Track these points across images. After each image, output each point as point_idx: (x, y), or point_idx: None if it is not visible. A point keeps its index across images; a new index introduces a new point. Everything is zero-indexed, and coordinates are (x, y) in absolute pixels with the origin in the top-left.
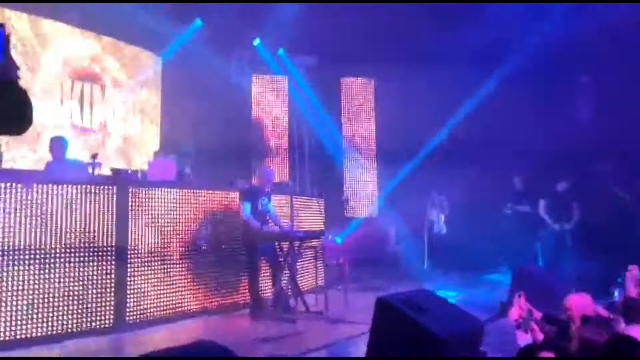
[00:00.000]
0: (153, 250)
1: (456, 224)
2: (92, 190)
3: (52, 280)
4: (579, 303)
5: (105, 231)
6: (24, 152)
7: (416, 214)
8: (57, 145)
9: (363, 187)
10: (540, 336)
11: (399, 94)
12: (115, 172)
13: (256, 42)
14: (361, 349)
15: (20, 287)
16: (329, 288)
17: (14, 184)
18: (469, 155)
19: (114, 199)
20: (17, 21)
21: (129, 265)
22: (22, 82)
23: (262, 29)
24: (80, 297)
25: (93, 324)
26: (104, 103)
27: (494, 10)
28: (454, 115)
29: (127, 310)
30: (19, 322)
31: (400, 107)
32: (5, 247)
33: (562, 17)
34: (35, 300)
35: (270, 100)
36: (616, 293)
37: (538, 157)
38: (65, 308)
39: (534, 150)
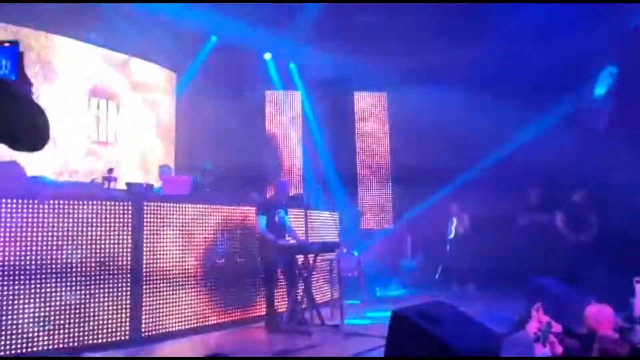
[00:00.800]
0: (168, 264)
1: (474, 236)
2: (108, 205)
3: (67, 294)
4: (599, 314)
5: (121, 245)
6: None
7: (432, 225)
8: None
9: (377, 200)
10: (560, 349)
11: (413, 108)
12: (130, 186)
13: (267, 56)
14: None
15: (38, 301)
16: (344, 301)
17: (30, 200)
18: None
19: (130, 213)
20: (36, 39)
21: (144, 279)
22: (41, 99)
23: (275, 44)
24: (97, 310)
25: (109, 337)
26: (120, 118)
27: (507, 25)
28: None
29: (143, 324)
30: (38, 335)
31: (413, 120)
32: (24, 262)
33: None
34: (53, 314)
35: (283, 115)
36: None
37: (553, 168)
38: (82, 321)
39: (549, 161)
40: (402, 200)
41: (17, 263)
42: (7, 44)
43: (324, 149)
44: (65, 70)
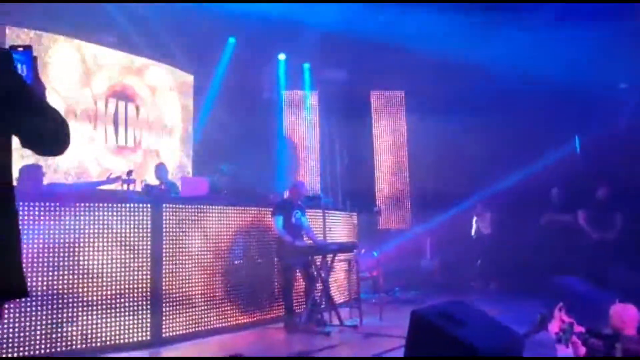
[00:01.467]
0: (187, 265)
1: (496, 235)
2: (128, 207)
3: (90, 295)
4: (624, 314)
5: (140, 247)
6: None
7: (453, 225)
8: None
9: (396, 199)
10: (582, 350)
11: (430, 106)
12: (148, 188)
13: (282, 57)
14: None
15: (60, 302)
16: (363, 301)
17: (52, 203)
18: (504, 163)
19: (149, 215)
20: (54, 42)
21: (163, 281)
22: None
23: (291, 44)
24: (118, 312)
25: (131, 338)
26: (139, 121)
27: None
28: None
29: (164, 324)
30: (60, 336)
31: (431, 118)
32: (46, 264)
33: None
34: (74, 315)
35: (301, 115)
36: None
37: (576, 166)
38: (104, 322)
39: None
40: (422, 200)
41: (39, 264)
42: (21, 49)
43: (341, 148)
44: (84, 74)
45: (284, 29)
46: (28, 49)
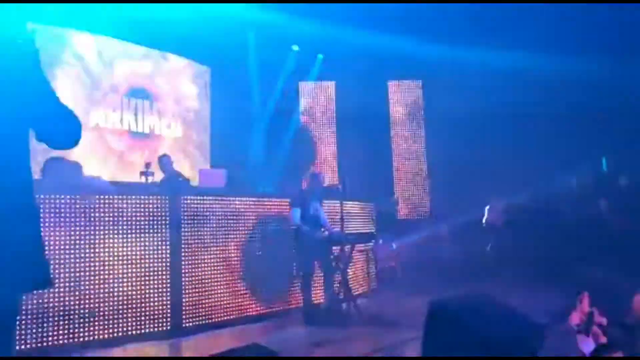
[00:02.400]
0: (206, 257)
1: (514, 225)
2: (147, 200)
3: (112, 287)
4: None
5: (160, 238)
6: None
7: (470, 214)
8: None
9: (414, 189)
10: (604, 339)
11: (448, 95)
12: (168, 180)
13: (295, 48)
14: (415, 353)
15: (84, 293)
16: (381, 292)
17: (74, 197)
18: (523, 154)
19: (168, 207)
20: (71, 37)
21: (183, 272)
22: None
23: (307, 35)
24: (139, 302)
25: (152, 328)
26: (155, 113)
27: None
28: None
29: (184, 315)
30: (82, 326)
31: (449, 107)
32: (68, 256)
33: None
34: (97, 305)
35: (317, 106)
36: None
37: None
38: (125, 313)
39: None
40: (439, 189)
41: (60, 256)
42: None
43: (359, 138)
44: (101, 67)
45: (300, 19)
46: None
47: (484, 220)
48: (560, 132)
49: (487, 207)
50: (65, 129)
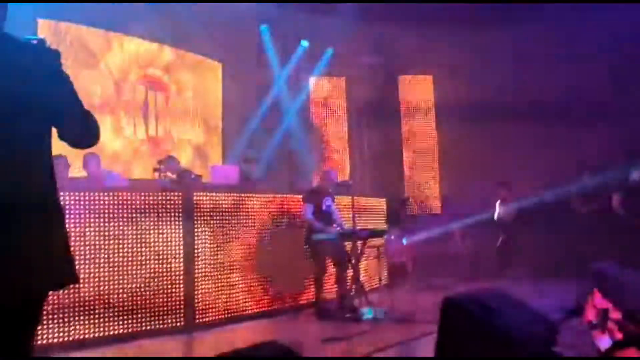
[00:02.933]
0: (219, 253)
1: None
2: (160, 197)
3: (126, 283)
4: None
5: (173, 235)
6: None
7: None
8: (90, 162)
9: (425, 184)
10: (619, 335)
11: (459, 90)
12: (180, 175)
13: (305, 43)
14: (428, 349)
15: (98, 290)
16: (393, 287)
17: (86, 193)
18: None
19: (180, 204)
20: (88, 34)
21: (196, 269)
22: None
23: (319, 30)
24: (152, 298)
25: (165, 324)
26: (168, 111)
27: None
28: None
29: (197, 311)
30: (97, 322)
31: (460, 102)
32: (82, 252)
33: None
34: (112, 302)
35: (329, 102)
36: None
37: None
38: (140, 309)
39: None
40: (451, 184)
41: (75, 253)
42: (34, 42)
43: (371, 132)
44: (114, 64)
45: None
46: (42, 42)
47: (495, 216)
48: (573, 126)
49: (498, 202)
50: (86, 128)
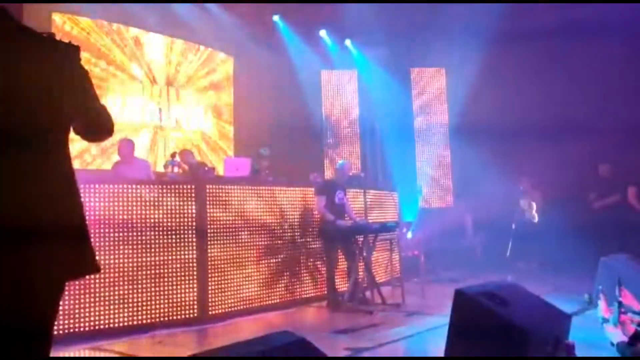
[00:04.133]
0: (232, 245)
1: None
2: (173, 189)
3: (140, 275)
4: None
5: (186, 227)
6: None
7: (495, 203)
8: (125, 146)
9: (437, 177)
10: (632, 329)
11: (470, 82)
12: (193, 167)
13: (323, 33)
14: (439, 342)
15: (113, 282)
16: (405, 280)
17: (102, 185)
18: (549, 142)
19: (193, 196)
20: (98, 28)
21: (209, 260)
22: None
23: (331, 21)
24: (166, 290)
25: (179, 315)
26: (180, 104)
27: None
28: (531, 101)
29: (210, 302)
30: (113, 312)
31: (471, 94)
32: (99, 244)
33: None
34: (127, 293)
35: (340, 94)
36: None
37: (626, 140)
38: (154, 300)
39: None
40: (463, 177)
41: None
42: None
43: (383, 125)
44: (126, 59)
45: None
46: (50, 35)
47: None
48: (587, 120)
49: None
50: (101, 123)
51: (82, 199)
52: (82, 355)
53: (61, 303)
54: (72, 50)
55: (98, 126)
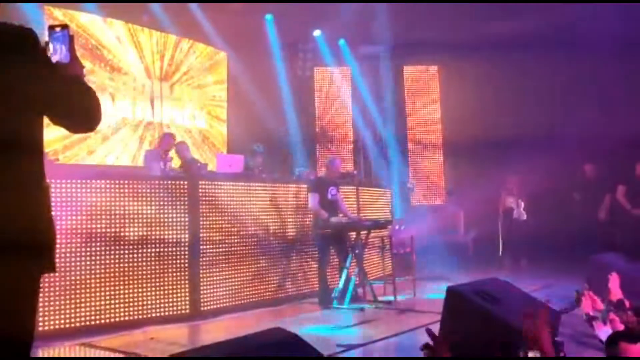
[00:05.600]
0: (224, 241)
1: (531, 211)
2: (166, 185)
3: (132, 271)
4: None
5: (178, 224)
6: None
7: (488, 200)
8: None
9: (429, 175)
10: (621, 327)
11: (464, 80)
12: (186, 164)
13: (317, 33)
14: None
15: (105, 277)
16: (397, 277)
17: (93, 180)
18: (539, 140)
19: (186, 192)
20: (90, 22)
21: (201, 257)
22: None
23: (324, 21)
24: (158, 286)
25: (171, 311)
26: (173, 100)
27: None
28: (522, 100)
29: (202, 299)
30: (105, 308)
31: (465, 93)
32: (89, 239)
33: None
34: (118, 289)
35: (333, 92)
36: None
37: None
38: (145, 296)
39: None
40: (455, 175)
41: (83, 239)
42: (58, 29)
43: (375, 122)
44: (117, 53)
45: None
46: (65, 28)
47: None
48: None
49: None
50: (83, 113)
51: (72, 194)
52: (73, 351)
53: (53, 299)
54: (21, 33)
55: (75, 115)
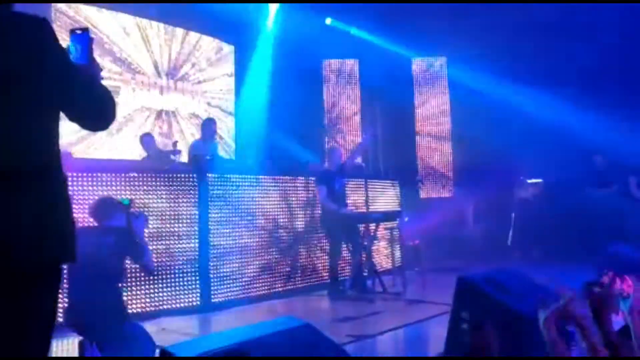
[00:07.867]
0: (233, 233)
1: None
2: (175, 178)
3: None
4: None
5: (188, 216)
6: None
7: (495, 191)
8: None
9: (438, 167)
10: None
11: (473, 72)
12: (195, 158)
13: (329, 21)
14: (440, 329)
15: None
16: (406, 269)
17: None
18: (549, 132)
19: (195, 185)
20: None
21: (211, 249)
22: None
23: (334, 10)
24: (169, 277)
25: (182, 303)
26: (179, 92)
27: None
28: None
29: (212, 290)
30: None
31: (474, 85)
32: None
33: None
34: (131, 281)
35: (341, 83)
36: None
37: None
38: (156, 288)
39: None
40: (464, 167)
41: None
42: (79, 32)
43: (383, 114)
44: (126, 47)
45: None
46: (85, 31)
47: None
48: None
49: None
50: (97, 113)
51: (84, 187)
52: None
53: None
54: (36, 25)
55: (90, 114)
